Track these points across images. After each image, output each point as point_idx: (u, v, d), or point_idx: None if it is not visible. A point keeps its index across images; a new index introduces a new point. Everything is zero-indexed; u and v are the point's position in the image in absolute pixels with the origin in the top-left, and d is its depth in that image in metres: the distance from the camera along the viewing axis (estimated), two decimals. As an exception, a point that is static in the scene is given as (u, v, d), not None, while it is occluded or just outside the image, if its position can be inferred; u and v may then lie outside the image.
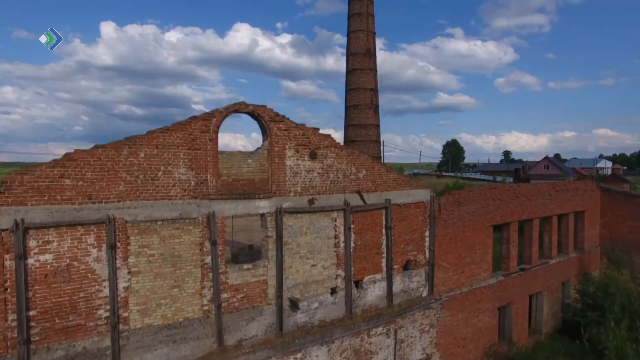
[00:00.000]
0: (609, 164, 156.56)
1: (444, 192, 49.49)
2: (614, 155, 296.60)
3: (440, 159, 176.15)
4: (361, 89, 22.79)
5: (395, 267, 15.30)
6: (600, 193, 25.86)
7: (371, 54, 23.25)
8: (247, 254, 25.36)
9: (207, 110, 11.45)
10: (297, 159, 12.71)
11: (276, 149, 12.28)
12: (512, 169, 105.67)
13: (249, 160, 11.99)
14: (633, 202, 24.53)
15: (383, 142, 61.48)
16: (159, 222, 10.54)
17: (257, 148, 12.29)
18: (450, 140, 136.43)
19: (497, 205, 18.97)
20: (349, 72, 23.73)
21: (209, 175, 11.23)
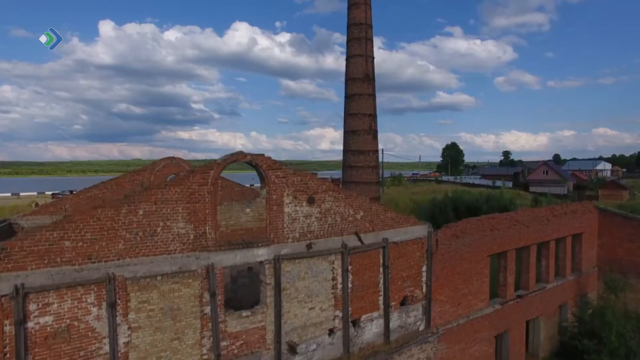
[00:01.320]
0: (608, 165, 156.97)
1: (443, 202, 49.52)
2: (613, 155, 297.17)
3: (440, 161, 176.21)
4: (360, 115, 22.88)
5: (393, 304, 15.43)
6: (598, 214, 25.98)
7: (370, 78, 23.30)
8: (247, 277, 25.51)
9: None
10: (295, 205, 12.81)
11: (274, 196, 12.39)
12: (512, 172, 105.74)
13: (247, 210, 12.10)
14: (630, 224, 24.64)
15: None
16: (158, 277, 10.66)
17: (256, 198, 12.39)
18: (449, 143, 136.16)
19: (495, 235, 19.09)
20: (347, 96, 23.78)
21: (207, 228, 11.34)
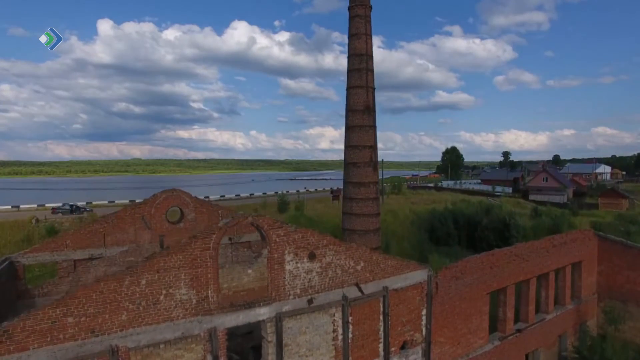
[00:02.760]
0: (608, 169, 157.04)
1: (443, 215, 49.40)
2: (613, 156, 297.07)
3: (441, 160, 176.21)
4: (360, 147, 22.90)
5: (393, 349, 15.52)
6: (598, 241, 26.04)
7: (370, 110, 23.29)
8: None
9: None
10: (297, 262, 12.88)
11: (275, 255, 12.45)
12: (511, 177, 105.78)
13: (249, 271, 12.18)
14: (630, 252, 24.71)
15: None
16: (161, 345, 10.73)
17: (257, 257, 12.45)
18: (449, 147, 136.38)
19: (494, 272, 19.16)
20: (348, 128, 23.77)
21: (209, 292, 11.40)
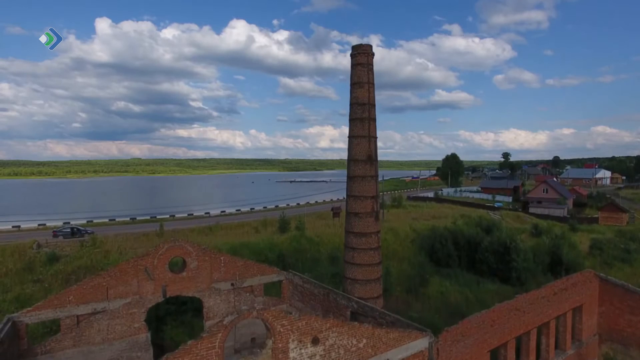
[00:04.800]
0: (608, 173, 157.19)
1: (444, 236, 49.46)
2: (613, 157, 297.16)
3: (440, 166, 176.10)
4: (362, 197, 22.93)
5: (396, 419, 15.62)
6: (599, 282, 26.12)
7: (372, 160, 23.32)
8: (249, 348, 25.75)
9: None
10: (300, 349, 12.98)
11: (280, 345, 12.55)
12: (512, 186, 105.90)
13: (254, 364, 12.26)
14: (631, 297, 24.79)
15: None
16: None
17: (262, 348, 12.54)
18: (450, 154, 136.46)
19: (495, 330, 19.25)
20: (350, 177, 23.81)
21: (214, 389, 11.49)
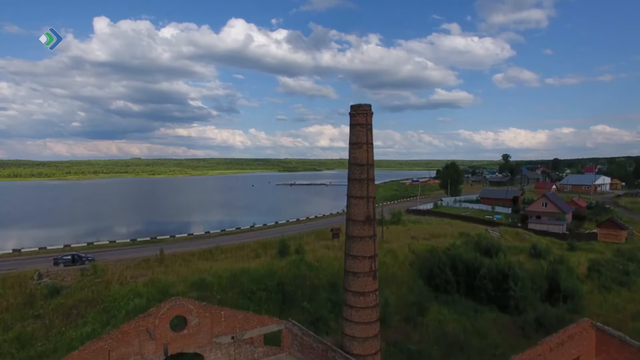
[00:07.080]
0: (607, 179, 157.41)
1: (442, 262, 49.68)
2: (612, 159, 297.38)
3: (441, 168, 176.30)
4: (360, 257, 23.10)
5: None
6: (596, 332, 26.32)
7: (370, 220, 23.45)
8: None
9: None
10: None
11: None
12: (511, 197, 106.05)
13: None
14: (628, 350, 24.94)
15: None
16: None
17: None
18: (449, 162, 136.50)
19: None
20: (349, 237, 23.95)
21: None
